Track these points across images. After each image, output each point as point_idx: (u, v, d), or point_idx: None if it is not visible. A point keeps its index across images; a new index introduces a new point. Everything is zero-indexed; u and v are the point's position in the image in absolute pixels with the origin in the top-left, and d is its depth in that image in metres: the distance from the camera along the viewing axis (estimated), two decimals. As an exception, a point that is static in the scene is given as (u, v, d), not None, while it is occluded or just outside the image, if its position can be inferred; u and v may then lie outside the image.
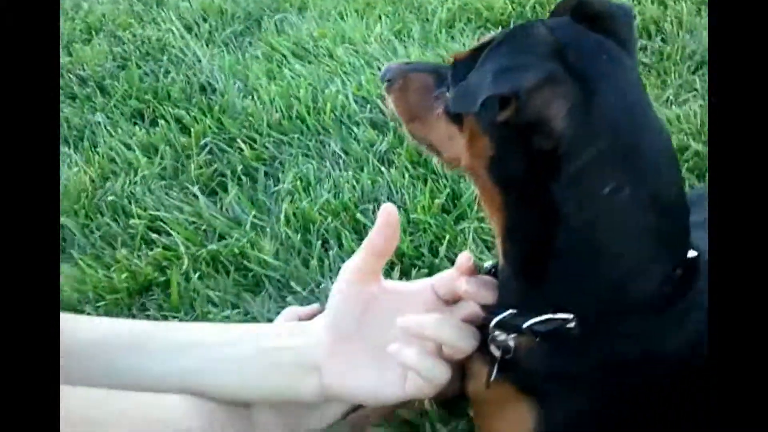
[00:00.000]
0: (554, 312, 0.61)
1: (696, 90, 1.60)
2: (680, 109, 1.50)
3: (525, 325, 0.62)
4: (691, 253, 0.62)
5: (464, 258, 0.71)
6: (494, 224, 0.65)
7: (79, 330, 0.79)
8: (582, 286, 0.60)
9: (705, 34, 1.82)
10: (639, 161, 0.56)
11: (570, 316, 0.60)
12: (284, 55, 1.86)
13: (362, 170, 1.37)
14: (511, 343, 0.65)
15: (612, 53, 0.59)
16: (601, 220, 0.57)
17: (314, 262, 1.14)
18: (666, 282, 0.60)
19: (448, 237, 1.15)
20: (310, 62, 1.82)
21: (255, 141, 1.49)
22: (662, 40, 1.82)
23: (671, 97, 1.57)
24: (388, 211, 0.72)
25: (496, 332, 0.66)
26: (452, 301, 0.74)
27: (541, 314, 0.62)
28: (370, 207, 1.27)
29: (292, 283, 1.10)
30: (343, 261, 1.14)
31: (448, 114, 0.66)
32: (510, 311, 0.65)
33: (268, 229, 1.22)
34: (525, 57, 0.55)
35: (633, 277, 0.59)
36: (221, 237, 1.22)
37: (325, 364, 0.73)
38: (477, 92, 0.54)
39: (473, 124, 0.61)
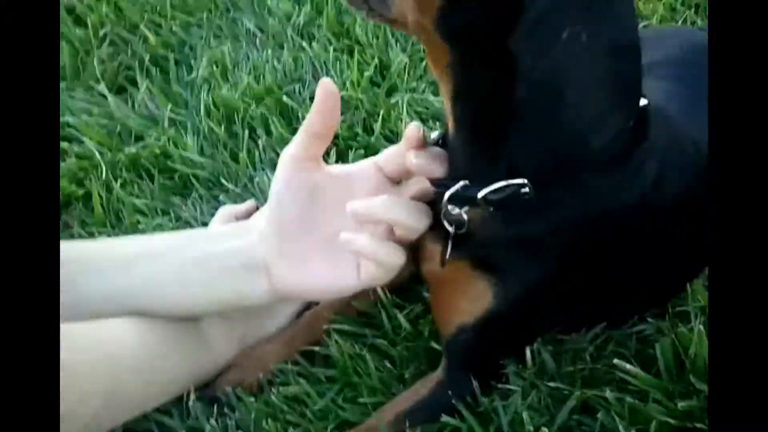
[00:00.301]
0: (508, 178, 0.59)
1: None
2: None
3: (479, 196, 0.60)
4: (642, 102, 0.61)
5: (413, 129, 0.66)
6: (443, 87, 0.61)
7: None
8: (541, 143, 0.58)
9: None
10: (596, 7, 0.53)
11: (524, 180, 0.58)
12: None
13: (282, 48, 1.28)
14: (465, 216, 0.63)
15: None
16: (560, 70, 0.53)
17: (243, 155, 1.07)
18: (622, 133, 0.58)
19: (381, 112, 1.09)
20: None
21: (160, 26, 1.36)
22: None
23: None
24: (324, 87, 0.66)
25: (449, 206, 0.63)
26: (400, 179, 0.70)
27: (494, 182, 0.59)
28: (295, 87, 1.19)
29: (223, 180, 1.04)
30: (274, 150, 1.09)
31: None
32: (462, 183, 0.62)
33: (188, 124, 1.14)
34: None
35: (592, 129, 0.57)
36: (138, 138, 1.13)
37: (273, 261, 0.69)
38: None
39: None
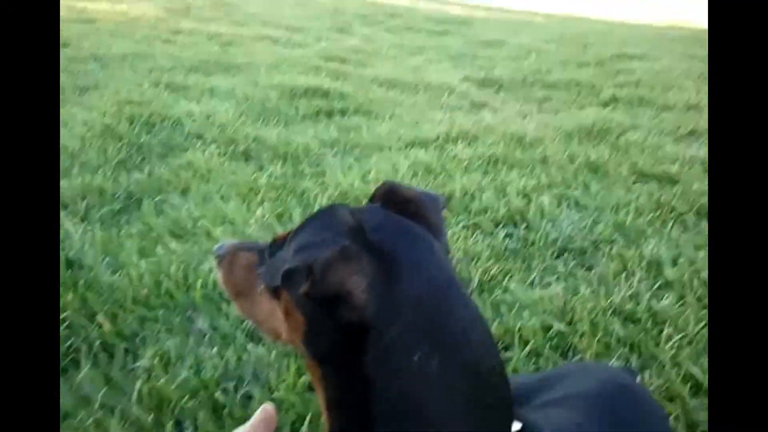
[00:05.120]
0: None
1: (559, 273, 1.69)
2: (543, 291, 1.57)
3: None
4: (515, 426, 0.60)
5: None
6: (318, 397, 0.63)
7: None
8: None
9: (565, 223, 1.96)
10: (446, 333, 0.56)
11: None
12: (160, 234, 1.84)
13: (228, 347, 1.32)
14: None
15: (416, 233, 0.61)
16: (414, 391, 0.55)
17: (163, 445, 1.05)
18: None
19: (310, 415, 1.10)
20: (186, 240, 1.81)
21: (117, 316, 1.42)
22: (526, 228, 1.94)
23: (535, 280, 1.65)
24: (266, 411, 0.65)
25: None
26: None
27: None
28: (232, 385, 1.21)
29: (136, 471, 1.00)
30: (197, 443, 1.08)
31: (269, 290, 0.66)
32: None
33: (117, 409, 1.13)
34: (323, 234, 0.58)
35: None
36: (66, 416, 1.11)
37: None
38: (279, 267, 0.55)
39: (287, 299, 0.62)
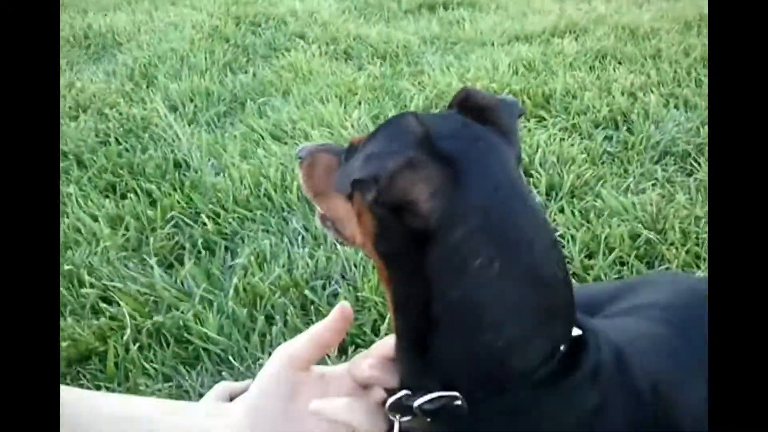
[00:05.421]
0: (442, 389, 0.61)
1: (656, 179, 1.63)
2: (637, 198, 1.52)
3: (414, 405, 0.62)
4: (576, 332, 0.63)
5: (379, 345, 0.70)
6: (387, 297, 0.66)
7: None
8: (462, 360, 0.60)
9: (671, 125, 1.87)
10: (508, 240, 0.58)
11: (455, 393, 0.60)
12: (262, 136, 1.91)
13: (319, 247, 1.39)
14: (407, 424, 0.64)
15: (487, 141, 0.62)
16: (474, 295, 0.58)
17: (256, 338, 1.14)
18: (549, 357, 0.60)
19: (389, 316, 1.15)
20: (285, 143, 1.88)
21: (219, 216, 1.52)
22: (628, 130, 1.86)
23: (631, 186, 1.60)
24: (343, 308, 0.71)
25: (393, 414, 0.65)
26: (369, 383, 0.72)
27: (429, 392, 0.61)
28: (320, 284, 1.28)
29: (231, 358, 1.10)
30: (285, 337, 1.17)
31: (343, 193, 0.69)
32: (404, 392, 0.64)
33: (215, 303, 1.23)
34: (390, 145, 0.59)
35: (512, 350, 0.59)
36: (169, 309, 1.23)
37: None
38: (349, 175, 0.58)
39: (360, 203, 0.64)
